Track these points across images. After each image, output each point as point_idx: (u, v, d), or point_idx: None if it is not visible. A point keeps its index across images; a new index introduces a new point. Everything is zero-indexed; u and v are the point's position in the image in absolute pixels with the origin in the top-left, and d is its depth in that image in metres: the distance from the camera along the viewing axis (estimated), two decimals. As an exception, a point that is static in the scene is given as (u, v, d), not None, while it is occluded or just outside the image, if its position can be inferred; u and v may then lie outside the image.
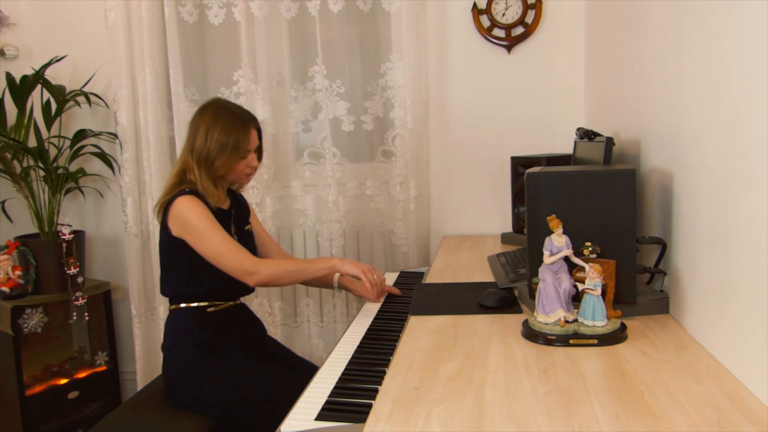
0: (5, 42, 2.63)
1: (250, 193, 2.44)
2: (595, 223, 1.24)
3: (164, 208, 1.68)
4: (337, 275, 1.89)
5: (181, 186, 1.69)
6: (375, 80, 2.46)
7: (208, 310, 1.71)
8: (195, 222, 1.62)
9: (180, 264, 1.68)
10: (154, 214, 1.77)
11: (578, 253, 1.19)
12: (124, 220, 2.58)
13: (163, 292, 1.76)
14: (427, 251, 2.54)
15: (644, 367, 1.01)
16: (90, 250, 2.79)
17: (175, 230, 1.65)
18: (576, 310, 1.17)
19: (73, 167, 2.57)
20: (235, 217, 1.80)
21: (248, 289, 1.79)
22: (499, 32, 2.41)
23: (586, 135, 1.74)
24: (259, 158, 1.80)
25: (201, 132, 1.69)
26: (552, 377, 0.99)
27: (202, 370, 1.64)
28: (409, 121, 2.39)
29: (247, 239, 1.83)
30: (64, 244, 2.40)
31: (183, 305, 1.71)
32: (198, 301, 1.71)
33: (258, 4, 2.41)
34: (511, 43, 2.41)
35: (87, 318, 2.47)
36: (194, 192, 1.67)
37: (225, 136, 1.67)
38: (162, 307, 2.57)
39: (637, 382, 0.96)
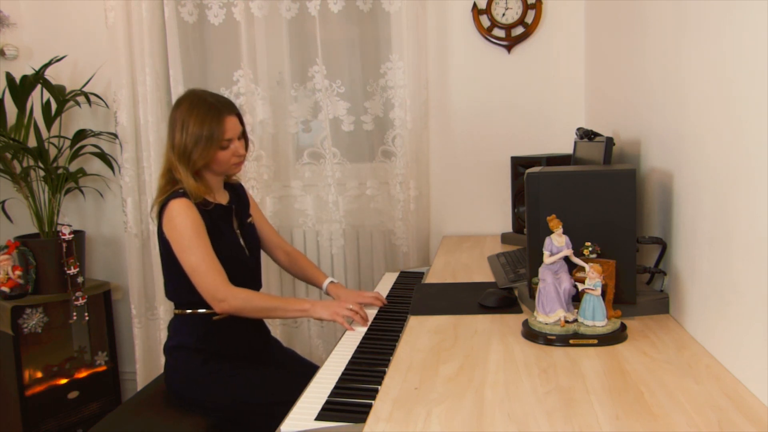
0: (5, 42, 2.63)
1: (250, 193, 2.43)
2: (595, 223, 1.24)
3: (159, 210, 1.64)
4: (326, 282, 1.87)
5: (173, 186, 1.65)
6: (375, 80, 2.46)
7: (215, 318, 1.67)
8: (181, 230, 1.58)
9: (179, 270, 1.62)
10: (151, 218, 1.72)
11: (578, 253, 1.19)
12: (124, 220, 2.58)
13: (168, 296, 1.74)
14: (427, 251, 2.53)
15: (644, 367, 1.01)
16: (90, 250, 2.79)
17: (167, 233, 1.61)
18: (576, 310, 1.17)
19: (73, 167, 2.57)
20: (236, 212, 1.77)
21: None
22: (499, 32, 2.41)
23: (586, 135, 1.74)
24: (246, 145, 1.73)
25: (178, 127, 1.63)
26: (552, 377, 0.99)
27: (203, 374, 1.63)
28: (409, 121, 2.39)
29: (250, 232, 1.80)
30: (64, 244, 2.40)
31: (189, 311, 1.68)
32: (205, 308, 1.66)
33: (258, 4, 2.41)
34: (511, 43, 2.41)
35: (87, 318, 2.47)
36: (187, 193, 1.63)
37: (199, 127, 1.60)
38: (162, 307, 2.57)
39: (637, 382, 0.96)
